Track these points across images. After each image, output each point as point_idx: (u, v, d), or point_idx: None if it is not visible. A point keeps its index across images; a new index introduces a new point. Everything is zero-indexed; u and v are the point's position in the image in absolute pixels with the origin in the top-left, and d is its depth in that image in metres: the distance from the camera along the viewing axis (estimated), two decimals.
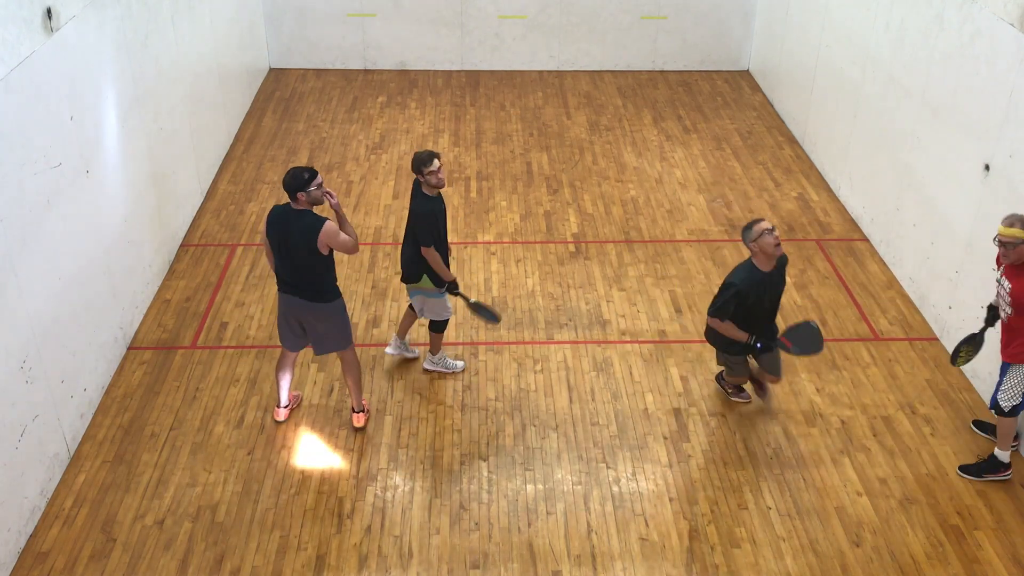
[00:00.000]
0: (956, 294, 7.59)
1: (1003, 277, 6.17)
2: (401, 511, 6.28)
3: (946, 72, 7.76)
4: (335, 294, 6.54)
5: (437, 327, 7.32)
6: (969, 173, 7.36)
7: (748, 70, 13.31)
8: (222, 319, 8.04)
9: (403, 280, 7.12)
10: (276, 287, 6.62)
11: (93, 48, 7.10)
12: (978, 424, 7.00)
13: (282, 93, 12.38)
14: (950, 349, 7.71)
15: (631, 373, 7.50)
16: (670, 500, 6.38)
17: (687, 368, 7.56)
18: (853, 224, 9.56)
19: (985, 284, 7.14)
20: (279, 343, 6.82)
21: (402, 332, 7.52)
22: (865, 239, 9.31)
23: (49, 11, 6.33)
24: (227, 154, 10.74)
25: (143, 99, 8.08)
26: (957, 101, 7.60)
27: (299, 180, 6.15)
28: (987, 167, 7.14)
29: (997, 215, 6.97)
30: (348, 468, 6.61)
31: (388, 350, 7.57)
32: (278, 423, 6.96)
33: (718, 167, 10.68)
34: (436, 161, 6.68)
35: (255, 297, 8.32)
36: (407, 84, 12.72)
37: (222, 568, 5.86)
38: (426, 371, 7.46)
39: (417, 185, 6.83)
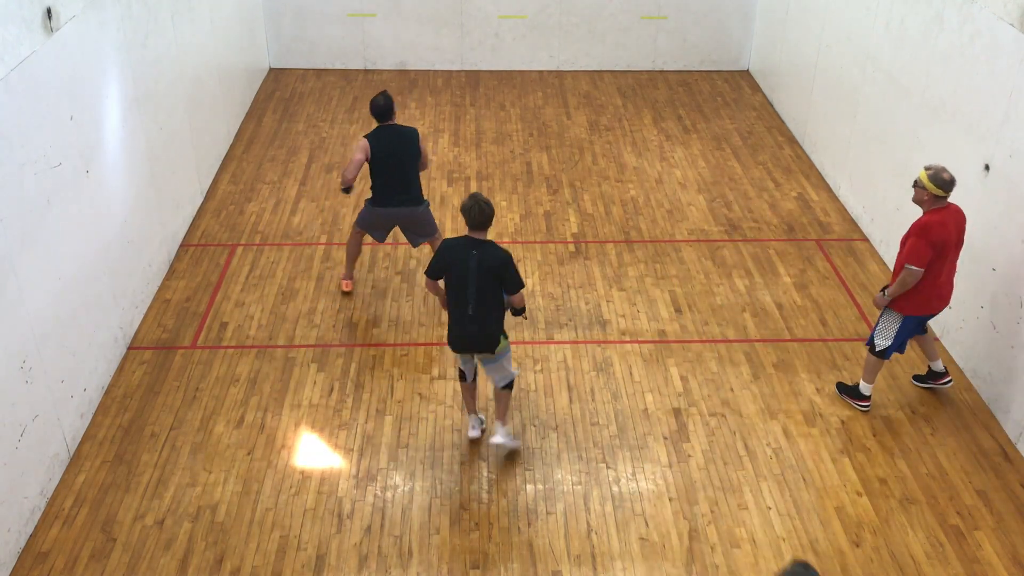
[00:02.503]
0: (955, 294, 7.57)
1: None
2: (401, 511, 6.28)
3: (946, 72, 7.76)
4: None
5: (511, 385, 6.71)
6: (969, 173, 7.35)
7: (748, 70, 13.31)
8: (222, 319, 8.04)
9: (485, 350, 6.38)
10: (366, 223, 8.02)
11: (93, 48, 7.10)
12: (917, 378, 7.40)
13: (282, 93, 12.38)
14: (950, 350, 7.71)
15: (631, 373, 7.50)
16: (670, 500, 6.38)
17: (687, 368, 7.56)
18: (853, 224, 9.56)
19: (985, 283, 7.15)
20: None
21: (473, 406, 6.86)
22: (865, 239, 9.31)
23: (49, 11, 6.33)
24: (227, 154, 10.74)
25: (143, 99, 8.08)
26: (957, 101, 7.60)
27: (392, 102, 7.68)
28: (987, 167, 7.13)
29: (997, 215, 6.99)
30: (348, 468, 6.61)
31: (476, 434, 6.80)
32: (346, 293, 8.31)
33: (718, 167, 10.68)
34: None
35: (255, 297, 8.32)
36: (407, 84, 12.73)
37: (222, 568, 5.86)
38: (498, 446, 6.73)
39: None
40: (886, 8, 8.86)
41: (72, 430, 6.63)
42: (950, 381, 7.24)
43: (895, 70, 8.67)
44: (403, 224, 8.05)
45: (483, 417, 6.96)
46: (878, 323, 6.87)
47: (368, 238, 8.59)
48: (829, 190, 10.19)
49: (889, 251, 8.82)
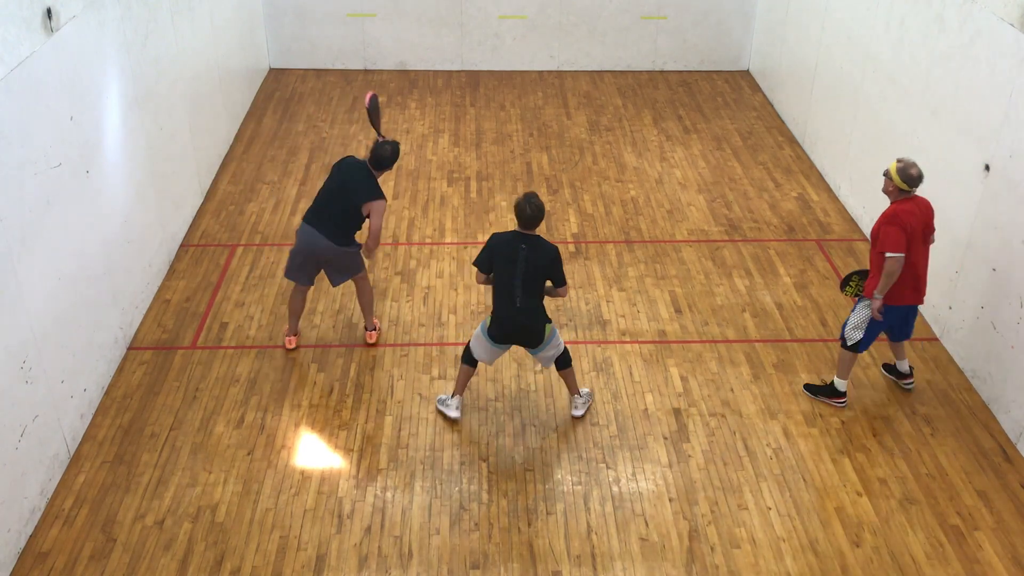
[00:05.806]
0: (956, 294, 7.59)
1: None
2: (401, 511, 6.28)
3: (946, 72, 7.76)
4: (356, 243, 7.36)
5: (567, 361, 6.88)
6: (969, 173, 7.36)
7: (748, 70, 13.31)
8: (222, 319, 8.04)
9: (532, 343, 6.62)
10: (282, 272, 7.25)
11: (93, 48, 7.10)
12: (886, 367, 7.48)
13: (282, 93, 12.38)
14: (950, 350, 7.71)
15: (631, 373, 7.50)
16: (670, 500, 6.38)
17: (687, 368, 7.56)
18: (853, 224, 9.57)
19: (985, 284, 7.15)
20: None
21: (463, 389, 7.00)
22: (865, 239, 9.31)
23: (49, 11, 6.33)
24: (227, 154, 10.75)
25: (143, 99, 8.08)
26: (957, 101, 7.60)
27: (397, 156, 7.20)
28: (987, 167, 7.13)
29: (997, 215, 6.99)
30: (348, 468, 6.61)
31: (456, 414, 6.96)
32: (289, 350, 7.66)
33: (718, 167, 10.68)
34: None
35: (255, 297, 8.32)
36: (407, 84, 12.73)
37: (222, 568, 5.86)
38: (577, 418, 7.02)
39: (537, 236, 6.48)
40: (886, 8, 8.86)
41: (72, 430, 6.63)
42: (911, 384, 7.34)
43: (895, 70, 8.67)
44: (320, 260, 7.37)
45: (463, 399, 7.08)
46: (850, 316, 6.89)
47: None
48: (829, 190, 10.19)
49: None
